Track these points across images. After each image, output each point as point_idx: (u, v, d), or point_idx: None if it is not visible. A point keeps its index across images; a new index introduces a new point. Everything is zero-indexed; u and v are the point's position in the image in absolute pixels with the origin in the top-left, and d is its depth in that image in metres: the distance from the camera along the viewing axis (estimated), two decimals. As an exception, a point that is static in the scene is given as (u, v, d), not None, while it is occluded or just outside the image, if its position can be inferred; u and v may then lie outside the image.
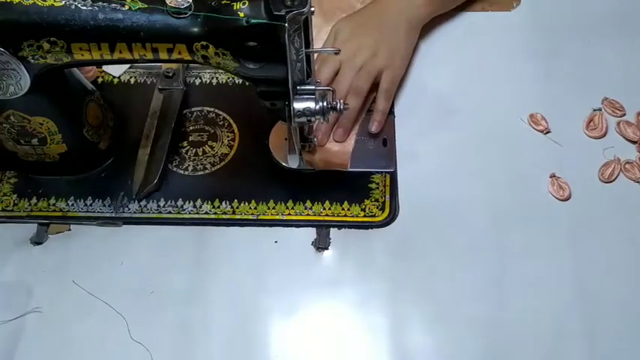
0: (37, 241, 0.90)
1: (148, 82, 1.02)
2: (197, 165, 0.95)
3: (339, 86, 0.94)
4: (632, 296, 0.85)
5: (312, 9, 0.74)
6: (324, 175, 0.93)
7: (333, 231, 0.90)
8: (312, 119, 0.80)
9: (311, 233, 0.90)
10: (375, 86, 0.97)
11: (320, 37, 1.01)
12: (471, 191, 0.92)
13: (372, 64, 0.95)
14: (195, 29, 0.76)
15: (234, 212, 0.91)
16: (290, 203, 0.92)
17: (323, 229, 0.90)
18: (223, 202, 0.92)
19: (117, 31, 0.76)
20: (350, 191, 0.92)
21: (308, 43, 0.77)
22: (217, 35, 0.76)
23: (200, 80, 1.02)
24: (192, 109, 1.00)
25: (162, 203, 0.92)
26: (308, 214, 0.91)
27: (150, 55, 0.78)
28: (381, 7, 1.00)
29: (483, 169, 0.94)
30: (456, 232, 0.89)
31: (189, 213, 0.91)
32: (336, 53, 0.89)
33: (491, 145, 0.95)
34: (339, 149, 0.94)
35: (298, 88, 0.79)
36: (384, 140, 0.97)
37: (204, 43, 0.76)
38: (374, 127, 0.96)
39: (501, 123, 0.97)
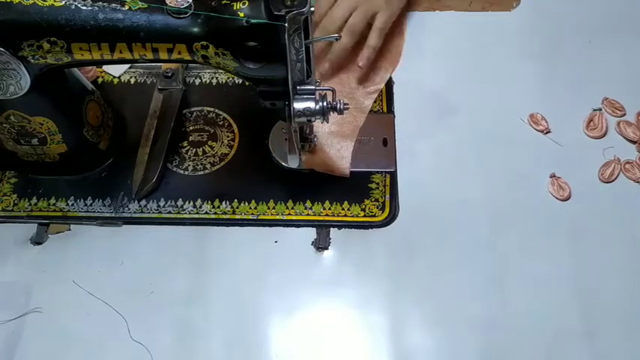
0: (37, 241, 0.90)
1: (148, 82, 1.02)
2: (197, 165, 0.95)
3: (333, 14, 0.96)
4: (631, 296, 0.85)
5: (312, 9, 0.74)
6: (324, 175, 0.93)
7: (333, 231, 0.90)
8: (312, 119, 0.80)
9: (311, 233, 0.90)
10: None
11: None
12: (471, 191, 0.92)
13: (366, 6, 0.97)
14: (195, 29, 0.76)
15: (234, 212, 0.91)
16: (290, 203, 0.92)
17: (323, 229, 0.90)
18: (223, 202, 0.92)
19: (117, 31, 0.76)
20: (350, 191, 0.92)
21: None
22: (217, 35, 0.76)
23: (200, 80, 1.02)
24: (192, 109, 1.00)
25: (162, 203, 0.92)
26: (308, 214, 0.91)
27: (150, 55, 0.78)
28: None
29: (483, 169, 0.94)
30: (456, 231, 0.89)
31: (189, 213, 0.91)
32: (337, 39, 0.89)
33: (491, 145, 0.95)
34: (338, 156, 0.93)
35: (298, 88, 0.79)
36: (384, 140, 0.97)
37: (204, 43, 0.76)
38: (362, 62, 0.98)
39: (501, 123, 0.97)
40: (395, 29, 1.02)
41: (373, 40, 0.98)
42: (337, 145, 0.93)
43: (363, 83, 0.99)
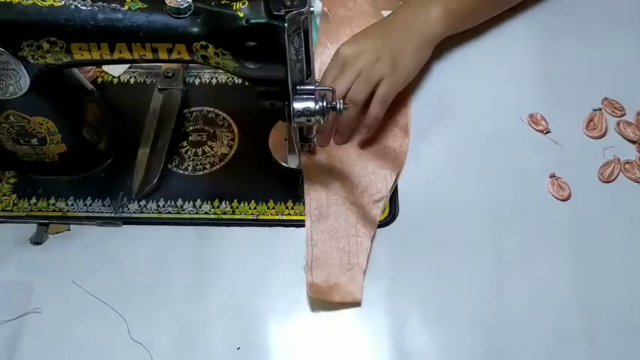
0: (37, 241, 0.90)
1: (148, 82, 1.02)
2: (197, 165, 0.95)
3: (336, 87, 0.91)
4: (631, 296, 0.85)
5: (312, 9, 0.74)
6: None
7: (333, 231, 0.90)
8: (312, 119, 0.80)
9: (311, 233, 0.90)
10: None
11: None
12: (471, 191, 0.92)
13: (371, 71, 0.92)
14: (195, 29, 0.76)
15: (234, 212, 0.91)
16: (290, 203, 0.92)
17: (323, 229, 0.90)
18: (223, 202, 0.92)
19: (116, 31, 0.76)
20: (350, 191, 0.92)
21: (308, 44, 0.77)
22: (217, 35, 0.76)
23: (200, 80, 1.02)
24: (192, 109, 1.00)
25: (162, 203, 0.92)
26: (308, 214, 0.91)
27: (149, 55, 0.78)
28: (392, 19, 0.98)
29: (483, 169, 0.94)
30: (456, 232, 0.89)
31: (189, 213, 0.91)
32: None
33: (491, 145, 0.95)
34: (349, 278, 0.85)
35: (298, 88, 0.79)
36: (384, 140, 0.96)
37: (203, 43, 0.76)
38: (362, 134, 0.94)
39: (501, 123, 0.97)
40: (397, 123, 0.97)
41: (374, 109, 0.92)
42: (347, 266, 0.86)
43: (367, 190, 0.91)
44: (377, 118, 0.93)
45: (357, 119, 0.93)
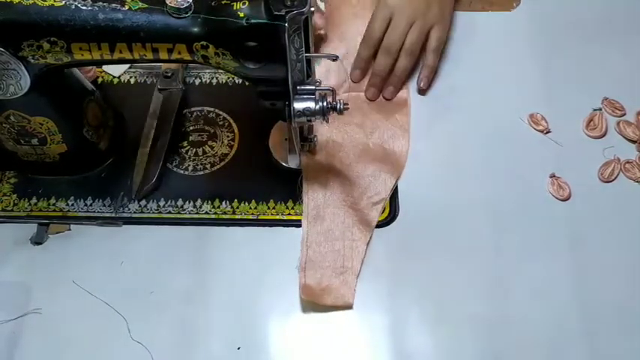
0: (37, 241, 0.90)
1: (148, 82, 1.02)
2: (197, 165, 0.95)
3: (390, 37, 0.93)
4: (631, 296, 0.85)
5: (312, 9, 0.74)
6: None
7: (333, 231, 0.90)
8: (312, 119, 0.80)
9: (311, 233, 0.90)
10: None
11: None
12: (471, 191, 0.92)
13: (424, 19, 0.94)
14: (195, 29, 0.76)
15: (234, 212, 0.91)
16: (290, 203, 0.92)
17: (323, 229, 0.90)
18: (223, 202, 0.92)
19: (117, 31, 0.76)
20: (350, 191, 0.92)
21: (308, 43, 0.77)
22: (217, 35, 0.76)
23: (200, 80, 1.02)
24: (192, 109, 1.00)
25: (162, 203, 0.92)
26: (308, 214, 0.91)
27: (150, 55, 0.78)
28: None
29: (483, 169, 0.94)
30: (456, 232, 0.89)
31: (189, 213, 0.91)
32: (333, 60, 0.87)
33: (491, 145, 0.95)
34: (342, 281, 0.85)
35: (298, 88, 0.79)
36: (384, 140, 0.96)
37: (204, 43, 0.76)
38: (422, 83, 0.97)
39: (501, 123, 0.97)
40: (396, 123, 0.97)
41: (431, 60, 0.97)
42: (340, 269, 0.86)
43: (366, 192, 0.91)
44: (434, 68, 0.98)
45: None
